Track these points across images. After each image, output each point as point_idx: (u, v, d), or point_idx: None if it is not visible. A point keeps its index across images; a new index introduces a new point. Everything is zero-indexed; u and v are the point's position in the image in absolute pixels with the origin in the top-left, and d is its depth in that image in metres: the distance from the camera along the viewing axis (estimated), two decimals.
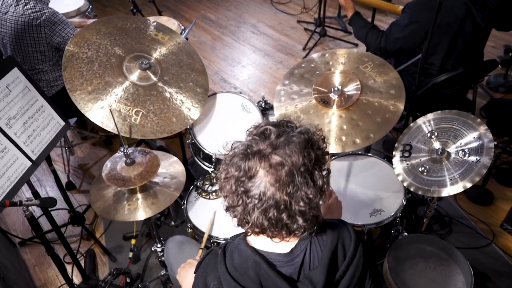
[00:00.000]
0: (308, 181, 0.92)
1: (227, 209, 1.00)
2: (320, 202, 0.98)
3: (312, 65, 2.09)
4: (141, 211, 1.71)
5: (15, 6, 2.21)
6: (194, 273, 1.14)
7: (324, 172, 0.98)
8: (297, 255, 1.01)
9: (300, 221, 0.94)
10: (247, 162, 0.92)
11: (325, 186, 0.97)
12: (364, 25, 2.45)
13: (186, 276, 1.38)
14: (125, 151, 1.69)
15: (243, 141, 0.99)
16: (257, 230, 0.98)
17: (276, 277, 0.95)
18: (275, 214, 0.92)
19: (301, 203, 0.92)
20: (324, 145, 1.01)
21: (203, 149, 2.09)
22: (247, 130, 1.02)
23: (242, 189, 0.94)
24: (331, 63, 2.07)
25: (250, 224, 0.97)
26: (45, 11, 2.25)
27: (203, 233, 1.86)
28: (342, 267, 1.02)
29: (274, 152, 0.92)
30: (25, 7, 2.21)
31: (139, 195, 1.75)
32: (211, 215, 1.93)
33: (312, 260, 1.01)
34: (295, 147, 0.92)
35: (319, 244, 1.03)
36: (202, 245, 1.76)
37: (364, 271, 1.06)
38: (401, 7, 2.49)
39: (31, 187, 1.91)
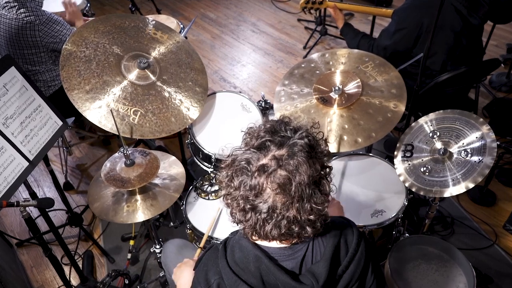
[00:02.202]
0: (316, 192, 0.92)
1: (237, 223, 1.00)
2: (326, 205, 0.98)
3: (312, 65, 2.08)
4: (140, 212, 1.69)
5: (8, 9, 2.19)
6: (194, 269, 1.15)
7: (328, 171, 0.98)
8: (299, 249, 1.02)
9: (310, 230, 0.96)
10: (252, 180, 0.90)
11: (330, 186, 0.97)
12: (355, 35, 2.50)
13: (181, 275, 1.37)
14: (125, 152, 1.67)
15: (242, 149, 0.96)
16: (268, 240, 0.99)
17: (277, 271, 0.96)
18: (287, 226, 0.93)
19: (312, 216, 0.93)
20: (327, 147, 1.00)
21: (202, 149, 2.07)
22: (243, 135, 1.00)
23: (249, 206, 0.93)
24: (331, 63, 2.06)
25: (262, 236, 0.97)
26: (39, 14, 2.22)
27: (203, 234, 1.84)
28: (344, 262, 1.03)
29: (279, 167, 0.90)
30: (19, 10, 2.19)
31: (138, 197, 1.73)
32: (215, 213, 1.89)
33: (314, 255, 1.02)
34: (300, 159, 0.90)
35: (321, 240, 1.04)
36: (202, 244, 1.73)
37: (366, 267, 1.07)
38: (386, 9, 2.50)
39: (28, 187, 1.90)
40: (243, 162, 0.92)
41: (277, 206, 0.91)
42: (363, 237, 1.09)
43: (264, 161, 0.91)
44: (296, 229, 0.94)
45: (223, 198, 1.00)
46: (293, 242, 1.01)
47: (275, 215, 0.91)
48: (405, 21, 2.20)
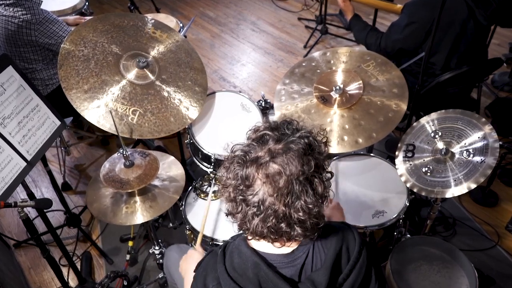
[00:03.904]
0: (308, 190, 0.91)
1: (228, 215, 1.00)
2: (324, 207, 0.97)
3: (313, 64, 2.07)
4: (139, 214, 1.68)
5: (4, 7, 2.17)
6: (194, 271, 1.14)
7: (327, 176, 0.98)
8: (299, 257, 1.00)
9: (299, 230, 0.94)
10: (244, 170, 0.91)
11: (327, 190, 0.96)
12: (363, 27, 2.46)
13: (189, 268, 1.36)
14: (124, 153, 1.65)
15: (243, 144, 0.97)
16: (257, 237, 0.98)
17: (276, 278, 0.95)
18: (274, 222, 0.92)
19: (300, 213, 0.92)
20: (326, 148, 1.00)
21: (202, 149, 2.05)
22: (247, 132, 1.01)
23: (240, 197, 0.93)
24: (332, 61, 2.04)
25: (250, 231, 0.97)
26: (35, 13, 2.20)
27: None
28: (346, 271, 1.01)
29: (272, 160, 0.90)
30: (15, 8, 2.17)
31: (137, 198, 1.72)
32: (206, 208, 1.86)
33: (315, 262, 1.01)
34: (294, 154, 0.90)
35: (322, 247, 1.02)
36: (199, 241, 1.70)
37: (368, 275, 1.05)
38: (400, 5, 2.47)
39: (26, 188, 1.88)
40: (241, 153, 0.94)
41: (266, 199, 0.90)
42: (366, 244, 1.08)
43: (259, 153, 0.92)
44: (284, 227, 0.93)
45: (221, 189, 1.00)
46: (289, 245, 1.00)
47: (264, 209, 0.91)
48: (417, 15, 2.16)
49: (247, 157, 0.92)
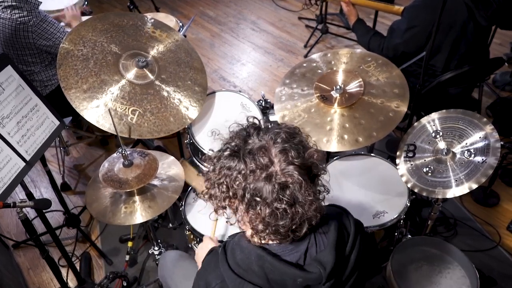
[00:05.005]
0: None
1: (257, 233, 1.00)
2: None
3: (314, 65, 2.07)
4: (138, 214, 1.67)
5: (2, 9, 2.16)
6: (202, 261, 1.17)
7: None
8: (301, 243, 1.01)
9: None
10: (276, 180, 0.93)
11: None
12: (366, 32, 2.47)
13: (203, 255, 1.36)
14: (123, 152, 1.65)
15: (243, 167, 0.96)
16: (277, 237, 0.99)
17: (282, 265, 0.95)
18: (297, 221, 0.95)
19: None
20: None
21: (201, 149, 2.04)
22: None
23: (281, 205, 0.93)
24: (333, 62, 2.04)
25: (270, 232, 0.97)
26: (33, 16, 2.19)
27: (202, 235, 1.81)
28: (348, 248, 1.03)
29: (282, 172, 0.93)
30: (13, 11, 2.16)
31: (136, 198, 1.72)
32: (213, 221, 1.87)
33: (318, 245, 1.02)
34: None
35: (322, 230, 1.04)
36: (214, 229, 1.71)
37: (367, 249, 1.09)
38: (398, 6, 2.47)
39: (25, 188, 1.88)
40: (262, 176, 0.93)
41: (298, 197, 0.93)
42: (358, 221, 1.12)
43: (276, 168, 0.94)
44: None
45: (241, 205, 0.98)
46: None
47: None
48: (417, 19, 2.16)
49: (273, 177, 0.93)
